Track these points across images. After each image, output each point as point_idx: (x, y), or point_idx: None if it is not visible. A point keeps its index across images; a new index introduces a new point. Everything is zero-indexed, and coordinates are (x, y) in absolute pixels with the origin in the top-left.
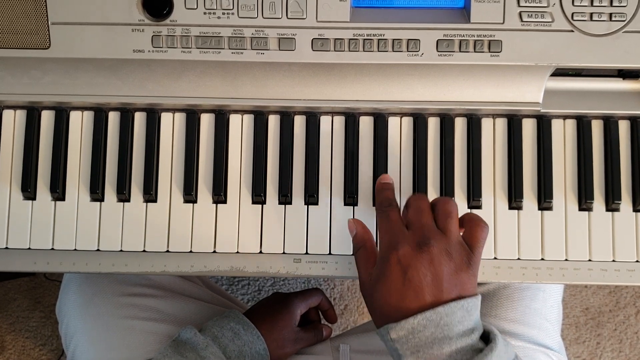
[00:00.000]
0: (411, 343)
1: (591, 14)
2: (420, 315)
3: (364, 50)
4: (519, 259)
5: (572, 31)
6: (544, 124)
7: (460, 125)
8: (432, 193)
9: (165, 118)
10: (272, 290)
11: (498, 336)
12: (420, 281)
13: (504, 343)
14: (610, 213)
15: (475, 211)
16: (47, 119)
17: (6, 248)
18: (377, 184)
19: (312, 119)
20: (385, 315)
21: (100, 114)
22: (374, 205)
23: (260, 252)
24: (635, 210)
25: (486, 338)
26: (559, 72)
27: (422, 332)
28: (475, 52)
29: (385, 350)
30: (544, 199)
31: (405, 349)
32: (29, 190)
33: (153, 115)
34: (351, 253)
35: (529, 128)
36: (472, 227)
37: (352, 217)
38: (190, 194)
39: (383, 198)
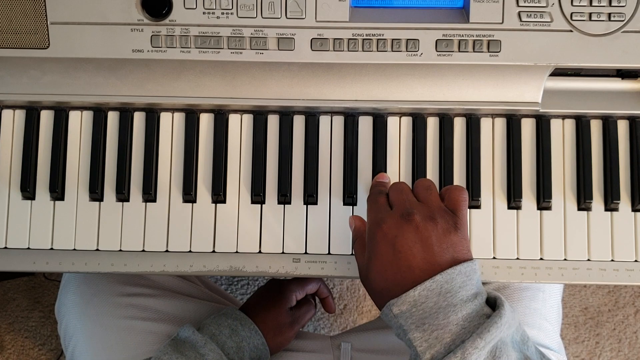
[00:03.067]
0: (415, 317)
1: (590, 14)
2: (420, 286)
3: (363, 50)
4: (517, 258)
5: (571, 31)
6: (543, 123)
7: (459, 125)
8: None
9: (165, 118)
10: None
11: (505, 302)
12: (410, 249)
13: (511, 309)
14: (609, 213)
15: (474, 211)
16: (46, 118)
17: (5, 248)
18: (373, 181)
19: (312, 118)
20: (384, 293)
21: (99, 114)
22: None
23: (260, 251)
24: (634, 210)
25: (491, 304)
26: (558, 72)
27: (424, 303)
28: (474, 52)
29: (387, 348)
30: (543, 199)
31: (410, 324)
32: (28, 190)
33: (152, 115)
34: (350, 253)
35: (528, 128)
36: (451, 193)
37: (351, 216)
38: (189, 194)
39: (373, 190)
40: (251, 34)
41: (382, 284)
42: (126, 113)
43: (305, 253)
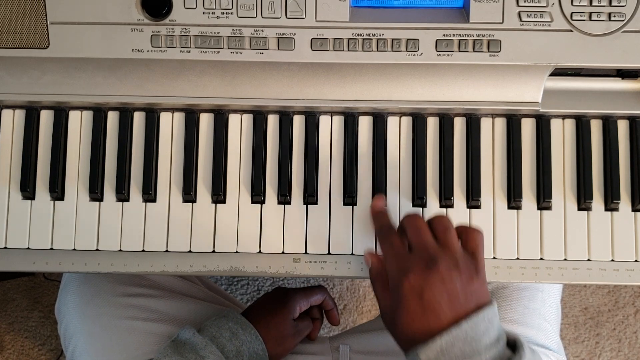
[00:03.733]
0: None
1: (590, 14)
2: (446, 334)
3: (363, 50)
4: (518, 258)
5: (571, 31)
6: (543, 123)
7: (459, 125)
8: (432, 193)
9: (164, 118)
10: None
11: (524, 343)
12: (438, 301)
13: (531, 350)
14: (609, 213)
15: (474, 211)
16: (46, 118)
17: (5, 248)
18: (372, 211)
19: (311, 118)
20: (410, 339)
21: (99, 114)
22: None
23: (260, 251)
24: (634, 209)
25: (511, 344)
26: (558, 72)
27: (451, 350)
28: (474, 51)
29: (385, 351)
30: (543, 199)
31: None
32: (27, 190)
33: (152, 115)
34: (350, 253)
35: (528, 128)
36: (468, 235)
37: (366, 252)
38: (189, 194)
39: (381, 224)
40: (251, 33)
41: (409, 331)
42: (126, 113)
43: (305, 253)
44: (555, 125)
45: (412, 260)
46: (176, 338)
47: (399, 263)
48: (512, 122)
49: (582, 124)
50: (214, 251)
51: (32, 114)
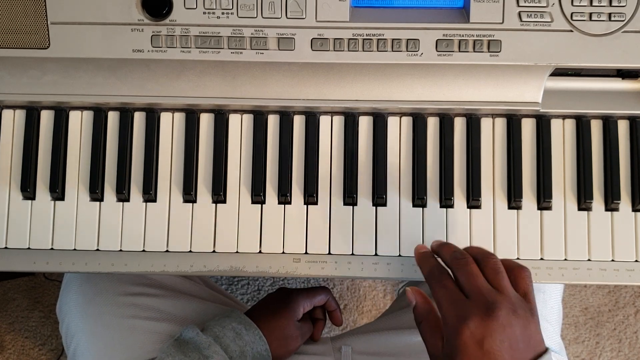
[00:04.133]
0: None
1: (590, 14)
2: None
3: (363, 50)
4: (518, 258)
5: (572, 31)
6: (543, 123)
7: (459, 125)
8: (432, 193)
9: (165, 118)
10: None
11: None
12: (499, 349)
13: None
14: (609, 213)
15: (474, 211)
16: (46, 118)
17: (5, 248)
18: (417, 255)
19: (312, 118)
20: None
21: (99, 114)
22: (373, 204)
23: (260, 251)
24: (634, 210)
25: None
26: (558, 72)
27: None
28: (474, 52)
29: (387, 351)
30: (543, 199)
31: None
32: (28, 190)
33: (152, 115)
34: (350, 253)
35: (528, 128)
36: (518, 276)
37: (409, 288)
38: (189, 194)
39: (431, 267)
40: (251, 34)
41: None
42: (126, 113)
43: (306, 253)
44: (556, 125)
45: (470, 306)
46: (179, 337)
47: (457, 309)
48: (513, 122)
49: (582, 124)
50: (214, 251)
51: (32, 114)
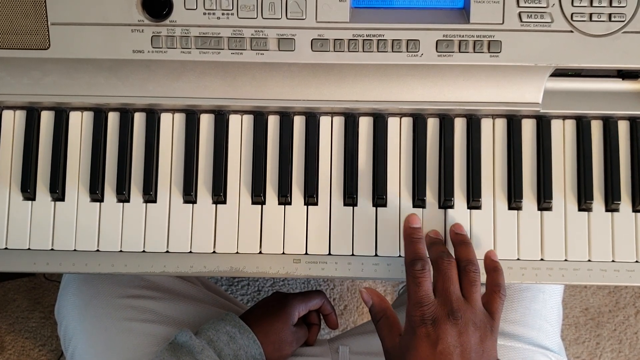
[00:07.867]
0: None
1: (590, 15)
2: None
3: (363, 51)
4: (518, 259)
5: (572, 32)
6: (543, 124)
7: (459, 126)
8: (432, 194)
9: (165, 118)
10: (272, 291)
11: None
12: (451, 354)
13: None
14: (609, 213)
15: (474, 211)
16: (46, 119)
17: (6, 248)
18: (405, 228)
19: (312, 119)
20: None
21: (99, 115)
22: (373, 205)
23: (260, 252)
24: (634, 210)
25: None
26: (559, 73)
27: None
28: (474, 52)
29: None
30: (544, 200)
31: None
32: (28, 190)
33: (153, 116)
34: (350, 253)
35: (528, 128)
36: (492, 296)
37: (364, 289)
38: (189, 195)
39: (414, 254)
40: (251, 34)
41: None
42: (127, 114)
43: (306, 254)
44: (556, 125)
45: (435, 309)
46: (173, 341)
47: (422, 309)
48: (513, 122)
49: (582, 125)
50: (214, 252)
51: (32, 114)
